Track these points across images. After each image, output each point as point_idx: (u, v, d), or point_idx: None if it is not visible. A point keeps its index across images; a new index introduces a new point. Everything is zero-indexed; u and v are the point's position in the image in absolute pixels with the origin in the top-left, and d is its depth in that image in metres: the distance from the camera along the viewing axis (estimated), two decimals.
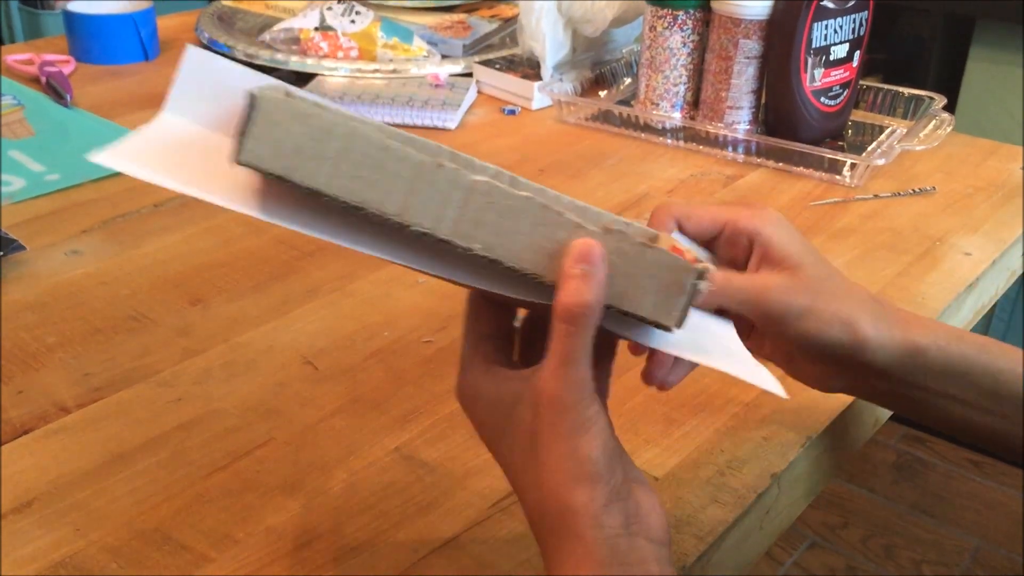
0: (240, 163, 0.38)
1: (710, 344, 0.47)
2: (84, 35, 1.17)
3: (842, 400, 0.62)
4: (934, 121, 1.00)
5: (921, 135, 0.97)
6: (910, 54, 1.94)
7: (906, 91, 1.06)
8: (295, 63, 1.13)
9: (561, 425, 0.41)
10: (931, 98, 1.04)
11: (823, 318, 0.51)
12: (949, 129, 0.98)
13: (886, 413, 0.70)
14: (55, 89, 1.06)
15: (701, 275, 0.41)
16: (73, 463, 0.55)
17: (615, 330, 0.44)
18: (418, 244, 0.41)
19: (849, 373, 0.53)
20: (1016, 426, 0.53)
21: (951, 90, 1.78)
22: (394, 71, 1.13)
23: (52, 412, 0.59)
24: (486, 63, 1.14)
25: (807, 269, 0.51)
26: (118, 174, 0.90)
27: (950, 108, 1.04)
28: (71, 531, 0.50)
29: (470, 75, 1.15)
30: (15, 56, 1.15)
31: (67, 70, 1.13)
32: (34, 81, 1.11)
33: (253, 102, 0.38)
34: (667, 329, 0.42)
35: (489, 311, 0.46)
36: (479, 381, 0.44)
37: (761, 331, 0.53)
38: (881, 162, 0.91)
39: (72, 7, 1.19)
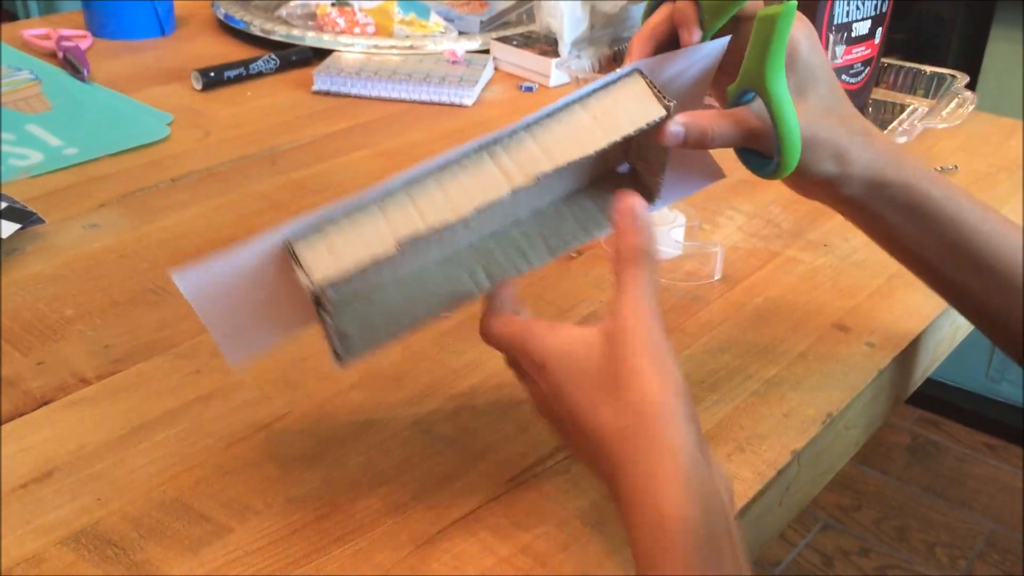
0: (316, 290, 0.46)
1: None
2: (101, 10, 1.17)
3: (863, 378, 0.62)
4: (956, 99, 0.99)
5: (943, 113, 0.96)
6: (931, 33, 1.92)
7: (928, 69, 1.05)
8: (312, 39, 1.13)
9: (645, 348, 0.43)
10: (953, 76, 1.03)
11: (817, 152, 0.53)
12: (971, 108, 0.97)
13: (906, 391, 0.70)
14: (72, 64, 1.05)
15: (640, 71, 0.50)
16: (94, 433, 0.55)
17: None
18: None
19: (828, 192, 0.56)
20: (971, 279, 0.56)
21: (972, 69, 1.77)
22: (411, 47, 1.12)
23: (72, 383, 0.59)
24: (503, 40, 1.13)
25: (812, 97, 0.53)
26: (135, 148, 0.90)
27: (971, 87, 1.03)
28: (92, 500, 0.51)
29: (487, 52, 1.14)
30: (32, 31, 1.15)
31: (84, 45, 1.13)
32: (51, 56, 1.11)
33: (320, 307, 0.47)
34: (665, 115, 0.49)
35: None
36: (549, 340, 0.46)
37: None
38: (903, 140, 0.90)
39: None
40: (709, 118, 0.52)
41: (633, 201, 0.46)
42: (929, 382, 0.75)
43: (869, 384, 0.62)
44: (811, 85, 0.53)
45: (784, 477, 0.55)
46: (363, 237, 0.46)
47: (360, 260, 0.46)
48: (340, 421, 0.57)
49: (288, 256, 0.46)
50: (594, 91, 0.50)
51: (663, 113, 0.49)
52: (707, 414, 0.59)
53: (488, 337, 0.50)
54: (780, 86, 0.51)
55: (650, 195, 0.56)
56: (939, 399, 1.99)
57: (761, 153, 0.54)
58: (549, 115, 0.49)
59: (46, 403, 0.58)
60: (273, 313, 0.50)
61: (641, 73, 0.50)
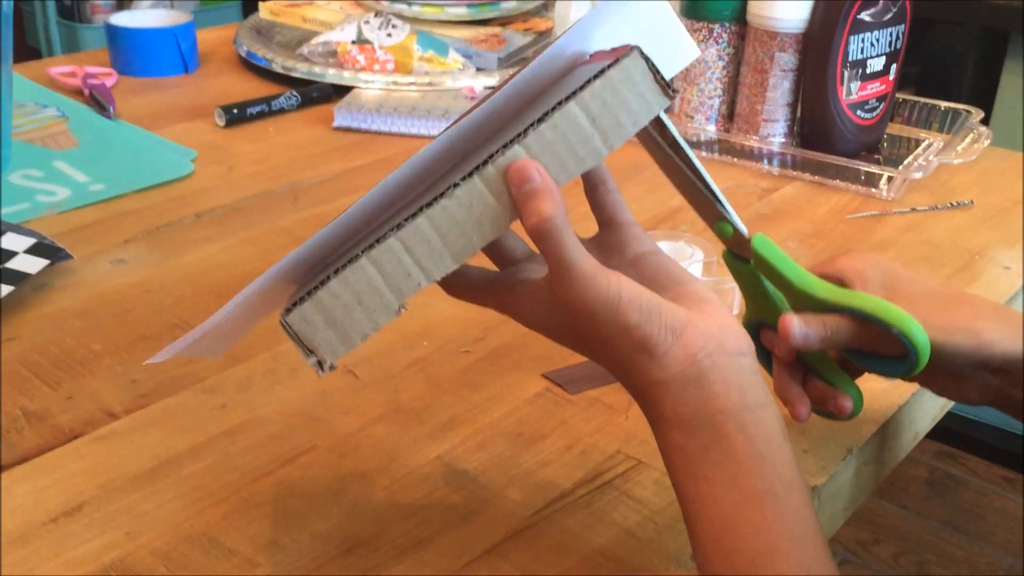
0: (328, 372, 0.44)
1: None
2: (126, 48, 1.19)
3: (883, 413, 0.62)
4: (971, 135, 1.00)
5: (958, 149, 0.97)
6: (944, 67, 1.94)
7: (942, 104, 1.06)
8: (332, 75, 1.14)
9: (593, 317, 0.43)
10: (968, 112, 1.04)
11: (937, 329, 0.50)
12: (987, 143, 0.98)
13: (926, 426, 0.70)
14: (98, 101, 1.07)
15: (640, 51, 0.44)
16: (122, 467, 0.56)
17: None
18: None
19: (978, 379, 0.54)
20: None
21: (986, 102, 1.78)
22: (429, 83, 1.14)
23: (100, 417, 0.60)
24: None
25: (907, 288, 0.52)
26: (160, 185, 0.92)
27: (985, 121, 1.04)
28: (121, 534, 0.51)
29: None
30: (59, 69, 1.17)
31: (109, 82, 1.15)
32: (77, 93, 1.13)
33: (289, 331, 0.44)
34: (669, 99, 0.44)
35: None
36: (518, 308, 0.46)
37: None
38: (919, 175, 0.91)
39: (115, 21, 1.22)
40: (822, 320, 0.51)
41: (521, 164, 0.42)
42: (947, 415, 0.75)
43: (889, 419, 0.62)
44: (893, 289, 0.52)
45: None
46: (361, 301, 0.43)
47: (366, 333, 0.44)
48: (363, 455, 0.58)
49: (282, 326, 0.44)
50: (590, 80, 0.43)
51: (666, 105, 0.44)
52: None
53: (459, 298, 0.49)
54: (839, 291, 0.51)
55: None
56: (957, 432, 1.98)
57: (886, 355, 0.51)
58: (543, 120, 0.43)
59: (75, 437, 0.58)
60: (241, 327, 0.51)
61: (641, 52, 0.44)
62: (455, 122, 0.46)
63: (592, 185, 0.49)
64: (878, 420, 0.62)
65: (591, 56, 0.48)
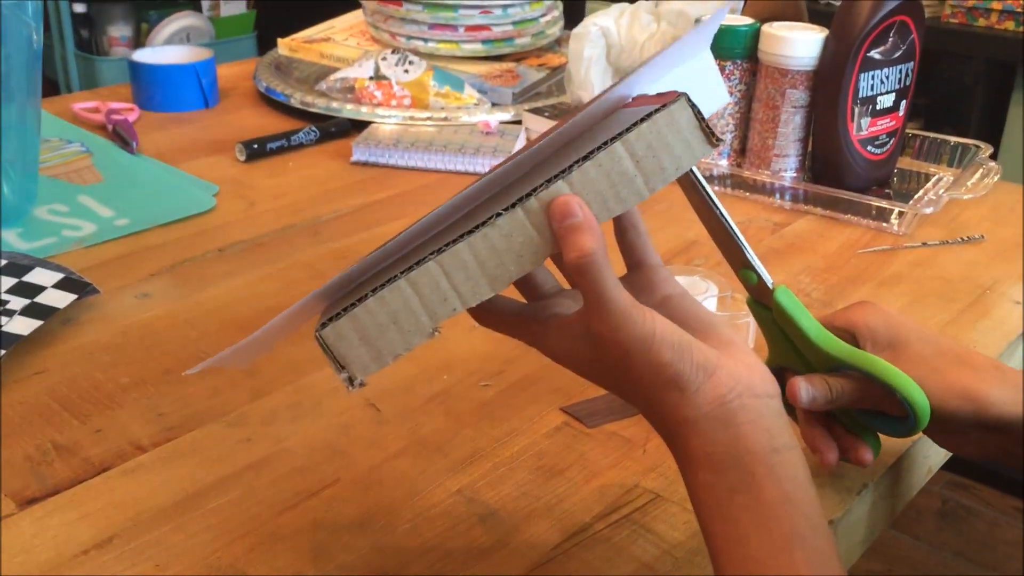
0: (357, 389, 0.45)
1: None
2: (148, 84, 1.22)
3: (898, 447, 0.63)
4: (981, 170, 1.01)
5: (968, 184, 0.98)
6: (953, 99, 1.95)
7: (952, 139, 1.07)
8: (350, 111, 1.17)
9: (627, 353, 0.44)
10: (977, 147, 1.05)
11: (937, 392, 0.53)
12: (996, 178, 0.99)
13: (939, 460, 0.71)
14: (121, 136, 1.10)
15: (687, 98, 0.44)
16: (150, 500, 0.57)
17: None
18: None
19: (977, 437, 0.55)
20: None
21: (994, 134, 1.79)
22: (445, 119, 1.16)
23: (129, 450, 0.62)
24: (535, 111, 1.17)
25: (912, 348, 0.54)
26: (183, 220, 0.94)
27: (994, 153, 1.05)
28: (151, 567, 0.52)
29: (519, 122, 1.17)
30: (82, 105, 1.20)
31: (132, 118, 1.18)
32: (101, 128, 1.15)
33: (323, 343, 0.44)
34: (712, 147, 0.45)
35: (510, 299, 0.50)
36: (545, 342, 0.47)
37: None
38: (929, 211, 0.92)
39: (137, 57, 1.24)
40: (827, 382, 0.54)
41: (564, 200, 0.43)
42: None
43: (904, 455, 0.63)
44: (902, 344, 0.55)
45: None
46: (396, 321, 0.44)
47: (398, 353, 0.44)
48: (386, 488, 0.59)
49: (317, 339, 0.44)
50: (637, 123, 0.44)
51: (710, 152, 0.45)
52: None
53: (488, 327, 0.50)
54: (850, 352, 0.53)
55: None
56: (969, 462, 1.98)
57: (888, 415, 0.55)
58: (587, 156, 0.44)
59: (105, 470, 0.60)
60: (272, 340, 0.51)
61: (688, 100, 0.45)
62: (502, 163, 0.47)
63: (623, 228, 0.51)
64: (893, 455, 0.63)
65: (633, 99, 0.50)
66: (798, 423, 0.57)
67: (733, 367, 0.45)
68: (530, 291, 0.51)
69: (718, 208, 0.51)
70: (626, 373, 0.45)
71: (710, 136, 0.45)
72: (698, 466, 0.44)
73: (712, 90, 0.52)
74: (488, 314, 0.49)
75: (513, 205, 0.44)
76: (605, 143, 0.44)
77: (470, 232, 0.44)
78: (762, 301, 0.55)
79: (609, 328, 0.43)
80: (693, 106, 0.45)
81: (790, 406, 0.56)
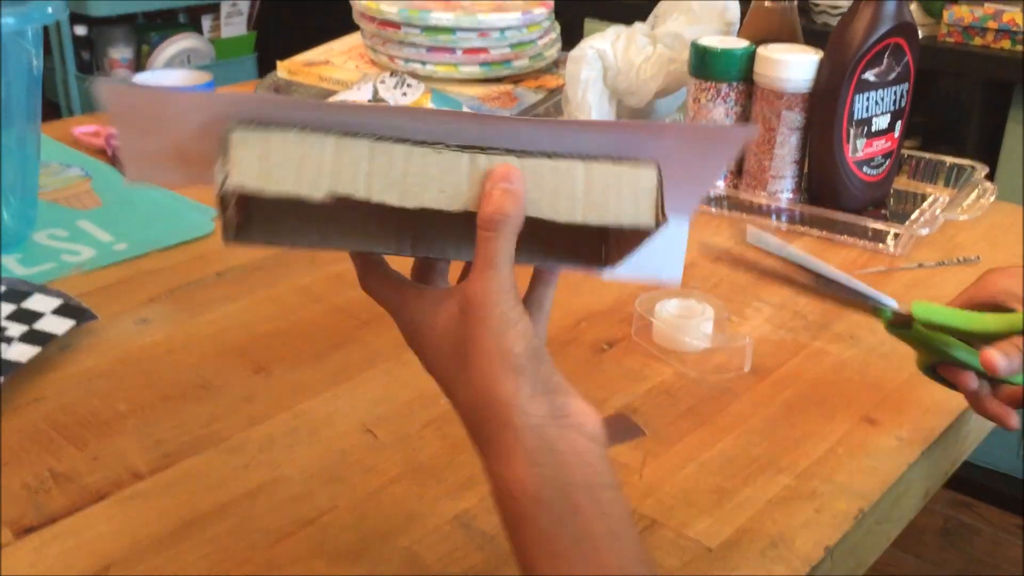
0: (228, 191, 0.43)
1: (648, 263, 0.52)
2: None
3: (893, 473, 0.63)
4: (976, 190, 1.01)
5: (964, 204, 0.99)
6: (951, 117, 1.96)
7: (948, 160, 1.08)
8: None
9: (486, 322, 0.44)
10: (973, 167, 1.06)
11: None
12: (992, 199, 0.99)
13: (936, 484, 0.71)
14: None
15: (659, 170, 0.46)
16: (148, 528, 0.57)
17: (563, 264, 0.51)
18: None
19: None
20: None
21: (992, 152, 1.79)
22: None
23: (126, 478, 0.62)
24: None
25: None
26: (182, 244, 0.94)
27: (991, 173, 1.06)
28: None
29: None
30: (82, 128, 1.20)
31: None
32: (101, 152, 1.16)
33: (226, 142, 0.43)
34: (654, 224, 0.46)
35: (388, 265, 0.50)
36: (418, 309, 0.47)
37: None
38: (925, 232, 0.93)
39: (138, 81, 1.25)
40: (1015, 344, 0.57)
41: (509, 168, 0.44)
42: (961, 463, 0.76)
43: (899, 479, 0.63)
44: None
45: (817, 573, 0.56)
46: (300, 164, 0.43)
47: (282, 189, 0.43)
48: (383, 515, 0.59)
49: (220, 135, 0.43)
50: (607, 157, 0.46)
51: (651, 226, 0.46)
52: (740, 509, 0.60)
53: (366, 290, 0.50)
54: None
55: (608, 258, 0.52)
56: (971, 481, 1.97)
57: None
58: (550, 155, 0.45)
59: (102, 498, 0.60)
60: (180, 157, 0.47)
61: (659, 172, 0.46)
62: (492, 115, 0.48)
63: (542, 279, 0.51)
64: (887, 481, 0.63)
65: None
66: (969, 403, 0.61)
67: (573, 400, 0.45)
68: (424, 273, 0.52)
69: (828, 277, 0.57)
70: (472, 350, 0.44)
71: (659, 212, 0.46)
72: (521, 491, 0.43)
73: (671, 258, 0.54)
74: (373, 270, 0.49)
75: (464, 149, 0.45)
76: (570, 155, 0.45)
77: (415, 143, 0.44)
78: (901, 326, 0.59)
79: (482, 291, 0.44)
80: (660, 180, 0.46)
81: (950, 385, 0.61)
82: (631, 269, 0.51)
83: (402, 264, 0.50)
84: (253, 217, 0.46)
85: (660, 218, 0.46)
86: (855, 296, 0.58)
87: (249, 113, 0.43)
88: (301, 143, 0.43)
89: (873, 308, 0.58)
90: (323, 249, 0.48)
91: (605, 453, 0.45)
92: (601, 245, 0.52)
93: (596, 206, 0.46)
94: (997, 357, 0.56)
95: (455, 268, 0.52)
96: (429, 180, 0.44)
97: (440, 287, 0.51)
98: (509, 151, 0.45)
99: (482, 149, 0.45)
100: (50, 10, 0.81)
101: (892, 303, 0.58)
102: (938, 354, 0.61)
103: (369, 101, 1.20)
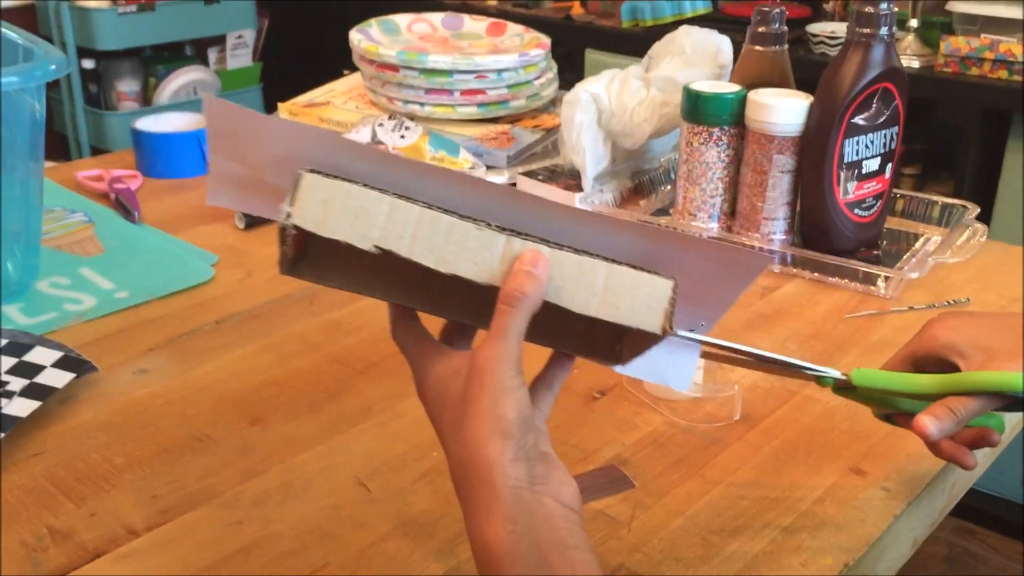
0: (288, 226, 0.48)
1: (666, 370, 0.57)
2: (151, 151, 1.25)
3: (879, 525, 0.64)
4: (967, 231, 1.02)
5: (955, 246, 1.00)
6: (949, 145, 1.97)
7: (940, 200, 1.09)
8: None
9: (486, 387, 0.48)
10: (964, 207, 1.07)
11: None
12: (983, 239, 1.00)
13: (924, 533, 0.71)
14: (124, 206, 1.12)
15: (675, 284, 0.51)
16: None
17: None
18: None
19: None
20: None
21: (990, 181, 1.80)
22: None
23: (122, 535, 0.63)
24: (529, 174, 1.19)
25: (997, 342, 0.58)
26: (182, 291, 0.96)
27: (989, 198, 1.06)
28: None
29: (514, 185, 1.19)
30: (86, 173, 1.22)
31: (134, 185, 1.20)
32: (104, 197, 1.18)
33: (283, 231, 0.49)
34: (660, 333, 0.50)
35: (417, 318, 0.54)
36: (434, 364, 0.51)
37: None
38: (915, 275, 0.93)
39: (140, 125, 1.27)
40: (948, 407, 0.58)
41: (538, 255, 0.49)
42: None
43: (885, 531, 0.64)
44: (988, 341, 0.59)
45: None
46: (356, 216, 0.48)
47: (336, 233, 0.48)
48: (376, 572, 0.60)
49: (294, 173, 0.48)
50: (630, 265, 0.51)
51: (658, 334, 0.51)
52: (728, 563, 0.61)
53: (394, 337, 0.54)
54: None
55: (621, 355, 0.55)
56: (975, 508, 1.97)
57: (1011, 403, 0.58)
58: (579, 251, 0.50)
59: (98, 556, 0.61)
60: (257, 186, 0.52)
61: (674, 289, 0.51)
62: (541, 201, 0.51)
63: (546, 381, 0.54)
64: (872, 534, 0.63)
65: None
66: (928, 445, 0.61)
67: (554, 470, 0.48)
68: (451, 335, 0.55)
69: (766, 357, 0.58)
70: (470, 410, 0.48)
71: (667, 321, 0.50)
72: (497, 545, 0.46)
73: (681, 367, 0.57)
74: (404, 322, 0.53)
75: (503, 230, 0.49)
76: (597, 255, 0.50)
77: (460, 216, 0.49)
78: (845, 388, 0.61)
79: (488, 357, 0.48)
80: (674, 293, 0.51)
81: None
82: (642, 370, 0.56)
83: (433, 322, 0.54)
84: (308, 255, 0.51)
85: (667, 327, 0.50)
86: (796, 369, 0.59)
87: (330, 150, 0.48)
88: (362, 197, 0.48)
89: (816, 378, 0.60)
90: (365, 295, 0.52)
91: (580, 520, 0.48)
92: (616, 342, 0.55)
93: (610, 304, 0.50)
94: (927, 423, 0.57)
95: (481, 337, 0.53)
96: (466, 252, 0.49)
97: (460, 349, 0.54)
98: (543, 240, 0.50)
99: (519, 233, 0.50)
100: (53, 67, 0.83)
101: (833, 372, 0.60)
102: (887, 406, 0.64)
103: (368, 143, 1.22)
